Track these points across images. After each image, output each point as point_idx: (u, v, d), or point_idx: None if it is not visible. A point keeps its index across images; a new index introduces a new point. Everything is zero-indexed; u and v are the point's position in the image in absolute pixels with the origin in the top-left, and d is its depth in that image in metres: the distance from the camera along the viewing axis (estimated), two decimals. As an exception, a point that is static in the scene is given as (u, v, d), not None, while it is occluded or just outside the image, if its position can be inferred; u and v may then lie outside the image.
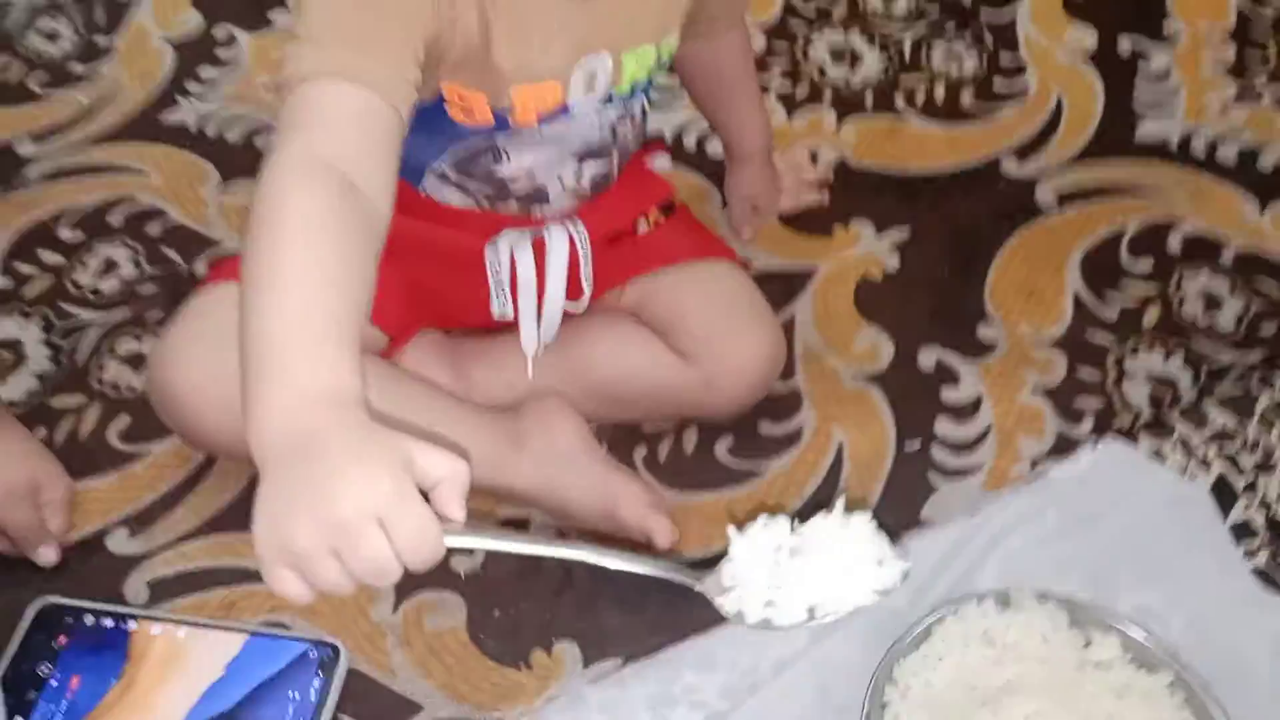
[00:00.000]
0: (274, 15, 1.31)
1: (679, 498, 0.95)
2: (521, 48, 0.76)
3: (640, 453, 0.98)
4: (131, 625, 0.85)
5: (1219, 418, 0.99)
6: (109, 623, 0.86)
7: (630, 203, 0.97)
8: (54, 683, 0.83)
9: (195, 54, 1.27)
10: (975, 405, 1.01)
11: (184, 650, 0.84)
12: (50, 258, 1.10)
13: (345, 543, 0.53)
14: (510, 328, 0.94)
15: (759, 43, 1.30)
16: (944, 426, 1.00)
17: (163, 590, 0.89)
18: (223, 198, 1.14)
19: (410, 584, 0.86)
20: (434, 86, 0.78)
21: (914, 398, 1.02)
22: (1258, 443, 0.97)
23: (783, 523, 0.66)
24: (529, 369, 0.93)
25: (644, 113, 0.93)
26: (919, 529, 0.92)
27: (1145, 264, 1.12)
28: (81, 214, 1.13)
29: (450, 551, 0.56)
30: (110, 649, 0.84)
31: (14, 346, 1.03)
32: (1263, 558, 0.91)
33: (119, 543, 0.91)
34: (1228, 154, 1.21)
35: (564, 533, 0.92)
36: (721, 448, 0.98)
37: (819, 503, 0.64)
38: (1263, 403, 1.00)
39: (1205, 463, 0.96)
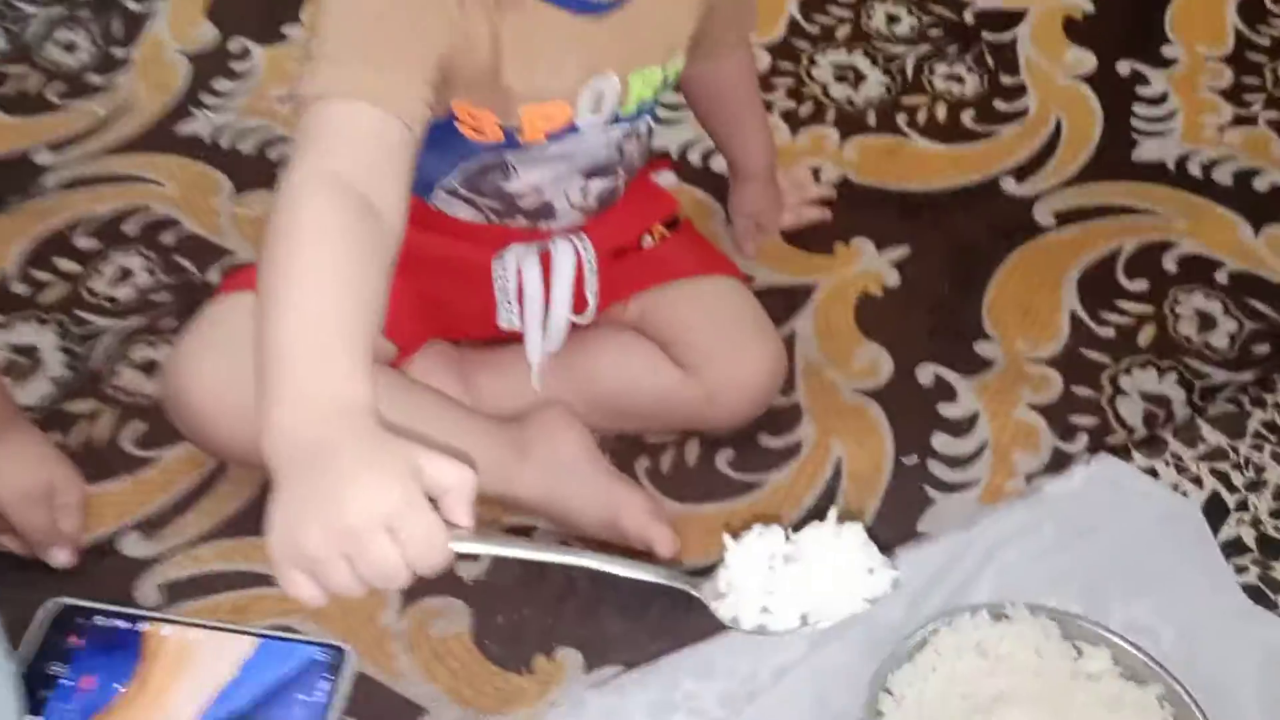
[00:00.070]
0: (288, 29, 1.31)
1: (680, 508, 0.95)
2: (531, 69, 0.77)
3: (643, 463, 0.98)
4: (143, 627, 0.86)
5: (1212, 436, 1.00)
6: (121, 624, 0.86)
7: (635, 218, 0.97)
8: (66, 682, 0.83)
9: (210, 66, 1.28)
10: (972, 421, 1.02)
11: (195, 652, 0.85)
12: (67, 265, 1.10)
13: (356, 548, 0.54)
14: (517, 339, 0.94)
15: (764, 61, 1.31)
16: (941, 441, 1.01)
17: (174, 593, 0.89)
18: (235, 208, 1.15)
19: (417, 589, 0.86)
20: (446, 104, 0.79)
21: (912, 413, 1.02)
22: (1249, 461, 0.98)
23: (777, 531, 0.67)
24: (534, 380, 0.94)
25: (650, 130, 0.94)
26: (915, 541, 0.93)
27: (1141, 283, 1.13)
28: (97, 223, 1.14)
29: (457, 557, 0.57)
30: (122, 650, 0.85)
31: (31, 352, 1.04)
32: (1253, 574, 0.92)
33: (132, 545, 0.92)
34: (1224, 176, 1.22)
35: (567, 541, 0.93)
36: (722, 460, 0.99)
37: (817, 514, 0.65)
38: (1255, 422, 1.01)
39: (1198, 480, 0.97)
